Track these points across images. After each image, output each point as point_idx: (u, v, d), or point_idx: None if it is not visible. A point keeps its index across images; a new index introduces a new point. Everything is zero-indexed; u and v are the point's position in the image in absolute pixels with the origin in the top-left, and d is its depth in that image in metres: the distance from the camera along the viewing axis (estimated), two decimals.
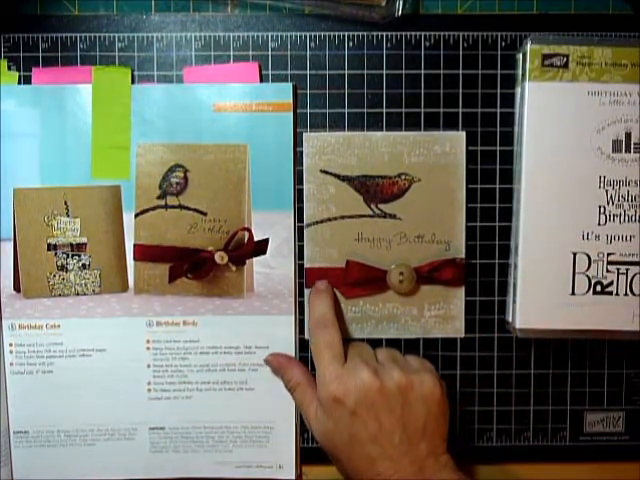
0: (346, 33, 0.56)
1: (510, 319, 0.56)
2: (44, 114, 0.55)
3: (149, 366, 0.57)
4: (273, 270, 0.57)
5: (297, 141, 0.56)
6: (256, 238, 0.57)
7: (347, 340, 0.55)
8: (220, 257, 0.56)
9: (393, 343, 0.57)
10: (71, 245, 0.57)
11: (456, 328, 0.57)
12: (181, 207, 0.57)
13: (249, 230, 0.57)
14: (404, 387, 0.49)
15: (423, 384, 0.50)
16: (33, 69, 0.56)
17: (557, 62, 0.53)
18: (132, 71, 0.56)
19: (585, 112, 0.53)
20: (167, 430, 0.57)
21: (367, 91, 0.56)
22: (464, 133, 0.56)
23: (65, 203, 0.57)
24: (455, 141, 0.56)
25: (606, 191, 0.54)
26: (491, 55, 0.56)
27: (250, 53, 0.56)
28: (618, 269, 0.54)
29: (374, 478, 0.49)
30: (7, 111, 0.55)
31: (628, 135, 0.53)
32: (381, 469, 0.48)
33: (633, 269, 0.54)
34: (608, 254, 0.54)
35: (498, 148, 0.56)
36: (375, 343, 0.57)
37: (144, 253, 0.57)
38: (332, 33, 0.56)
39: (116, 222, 0.57)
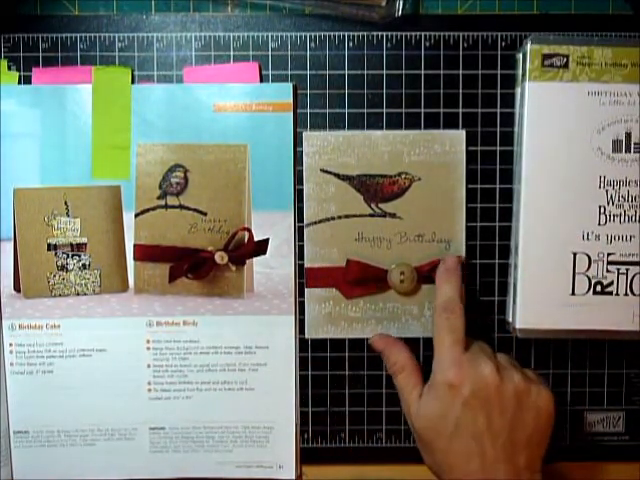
0: (346, 33, 0.56)
1: (510, 319, 0.56)
2: (44, 114, 0.55)
3: (149, 366, 0.57)
4: (273, 270, 0.57)
5: (297, 141, 0.56)
6: (256, 238, 0.57)
7: None
8: (220, 257, 0.56)
9: None
10: (71, 245, 0.57)
11: None
12: (181, 207, 0.57)
13: (249, 230, 0.57)
14: (521, 392, 0.49)
15: (539, 394, 0.49)
16: (33, 69, 0.56)
17: (557, 62, 0.53)
18: (132, 71, 0.56)
19: (585, 112, 0.53)
20: (167, 430, 0.57)
21: (367, 91, 0.56)
22: (464, 132, 0.56)
23: (65, 203, 0.57)
24: (455, 140, 0.56)
25: (606, 191, 0.54)
26: (491, 55, 0.56)
27: (250, 53, 0.56)
28: (618, 269, 0.54)
29: (463, 478, 0.48)
30: (7, 111, 0.55)
31: (628, 135, 0.53)
32: (474, 469, 0.48)
33: (633, 269, 0.54)
34: (608, 254, 0.54)
35: (498, 148, 0.56)
36: None
37: (144, 253, 0.57)
38: (332, 33, 0.56)
39: (116, 222, 0.57)
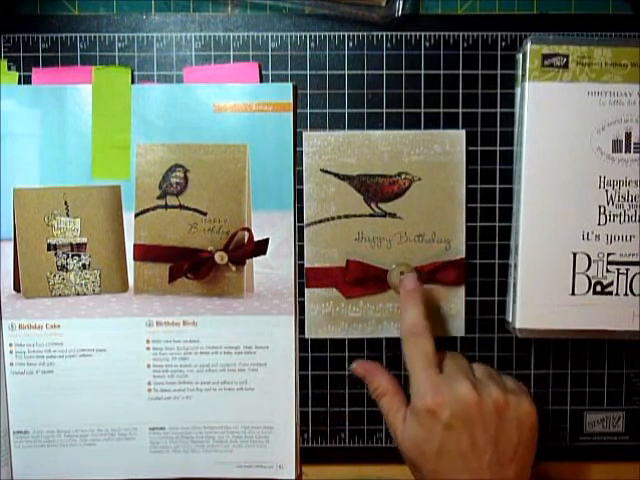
0: (346, 33, 0.56)
1: (510, 319, 0.56)
2: (44, 114, 0.55)
3: (149, 366, 0.57)
4: (273, 270, 0.57)
5: (297, 141, 0.56)
6: (256, 238, 0.57)
7: (441, 350, 0.52)
8: (220, 257, 0.56)
9: (394, 343, 0.57)
10: (71, 245, 0.57)
11: (456, 328, 0.57)
12: (181, 207, 0.57)
13: (249, 230, 0.57)
14: (501, 406, 0.48)
15: (520, 406, 0.49)
16: (33, 69, 0.56)
17: (557, 62, 0.53)
18: (132, 71, 0.56)
19: (585, 112, 0.53)
20: (167, 430, 0.57)
21: (367, 91, 0.56)
22: (464, 131, 0.56)
23: (65, 203, 0.57)
24: (455, 140, 0.56)
25: (606, 191, 0.54)
26: (491, 55, 0.56)
27: (250, 53, 0.56)
28: (618, 269, 0.54)
29: None
30: (7, 111, 0.55)
31: (628, 135, 0.53)
32: None
33: (633, 269, 0.54)
34: (608, 254, 0.54)
35: (498, 148, 0.56)
36: (376, 343, 0.57)
37: (144, 253, 0.57)
38: (332, 33, 0.56)
39: (116, 222, 0.57)
